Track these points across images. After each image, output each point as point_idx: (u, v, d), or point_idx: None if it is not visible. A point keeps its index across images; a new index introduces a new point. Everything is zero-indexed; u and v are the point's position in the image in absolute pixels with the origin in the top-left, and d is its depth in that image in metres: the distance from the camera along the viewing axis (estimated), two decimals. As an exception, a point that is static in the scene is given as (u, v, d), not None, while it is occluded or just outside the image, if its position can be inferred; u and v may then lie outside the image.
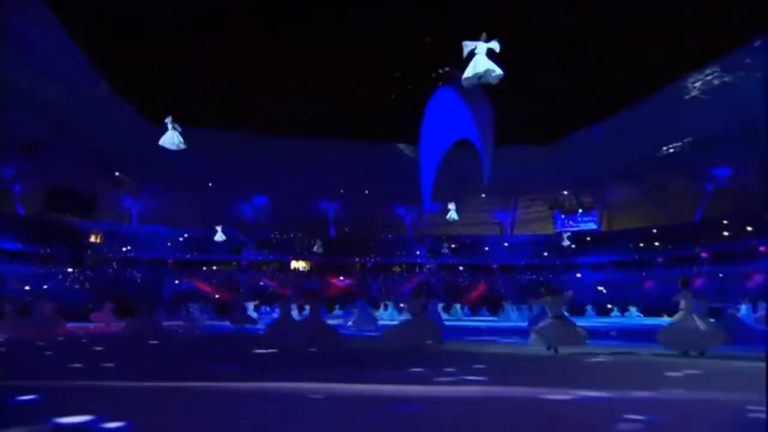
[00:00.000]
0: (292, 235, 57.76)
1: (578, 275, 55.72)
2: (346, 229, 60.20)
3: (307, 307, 13.55)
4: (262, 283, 51.79)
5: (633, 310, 33.63)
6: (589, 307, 36.30)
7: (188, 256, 52.01)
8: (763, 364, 7.65)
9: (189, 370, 8.39)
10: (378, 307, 34.85)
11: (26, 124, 34.49)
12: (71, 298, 38.62)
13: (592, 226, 60.31)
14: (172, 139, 19.68)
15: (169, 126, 19.68)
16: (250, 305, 37.48)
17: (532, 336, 8.96)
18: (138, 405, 5.46)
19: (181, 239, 53.54)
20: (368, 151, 58.09)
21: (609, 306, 38.60)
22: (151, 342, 14.51)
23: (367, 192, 58.47)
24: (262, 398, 5.88)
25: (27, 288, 35.89)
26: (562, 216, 60.86)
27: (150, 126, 50.17)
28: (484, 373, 7.30)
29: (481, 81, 13.94)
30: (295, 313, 39.54)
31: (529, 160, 56.86)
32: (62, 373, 7.74)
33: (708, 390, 6.29)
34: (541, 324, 8.83)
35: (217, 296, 47.41)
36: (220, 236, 41.64)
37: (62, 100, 36.75)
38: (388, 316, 30.49)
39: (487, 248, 59.16)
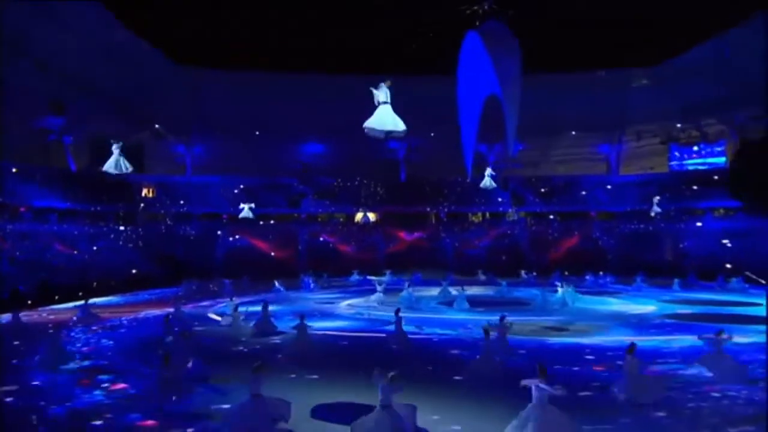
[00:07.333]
0: (357, 182, 58.95)
1: (698, 224, 52.76)
2: (418, 174, 60.48)
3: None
4: (322, 239, 53.84)
5: (734, 281, 31.91)
6: (676, 281, 34.59)
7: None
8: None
9: None
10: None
11: (46, 82, 37.79)
12: (123, 258, 42.84)
13: (721, 160, 56.33)
14: (116, 164, 20.96)
15: (115, 151, 20.95)
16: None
17: None
18: None
19: (236, 191, 56.39)
20: (441, 85, 57.09)
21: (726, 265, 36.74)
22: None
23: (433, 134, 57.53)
24: None
25: (75, 252, 40.10)
26: (678, 152, 57.61)
27: (184, 69, 52.50)
28: None
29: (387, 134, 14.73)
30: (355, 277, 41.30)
31: (635, 85, 53.88)
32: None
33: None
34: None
35: (272, 254, 50.29)
36: (246, 213, 42.94)
37: (81, 53, 39.71)
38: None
39: (584, 192, 57.38)
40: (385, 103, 14.62)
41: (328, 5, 50.39)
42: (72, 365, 14.47)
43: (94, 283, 33.70)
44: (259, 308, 20.80)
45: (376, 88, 14.39)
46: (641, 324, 21.74)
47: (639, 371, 11.22)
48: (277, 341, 18.33)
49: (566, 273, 40.10)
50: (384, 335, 18.49)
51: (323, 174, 59.07)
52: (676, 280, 34.49)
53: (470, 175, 27.63)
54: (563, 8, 48.91)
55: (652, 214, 41.27)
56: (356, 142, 60.37)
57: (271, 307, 21.30)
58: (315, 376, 13.53)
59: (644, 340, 17.71)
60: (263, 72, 54.25)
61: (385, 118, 14.77)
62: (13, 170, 41.28)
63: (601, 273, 41.17)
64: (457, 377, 13.36)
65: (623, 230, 53.66)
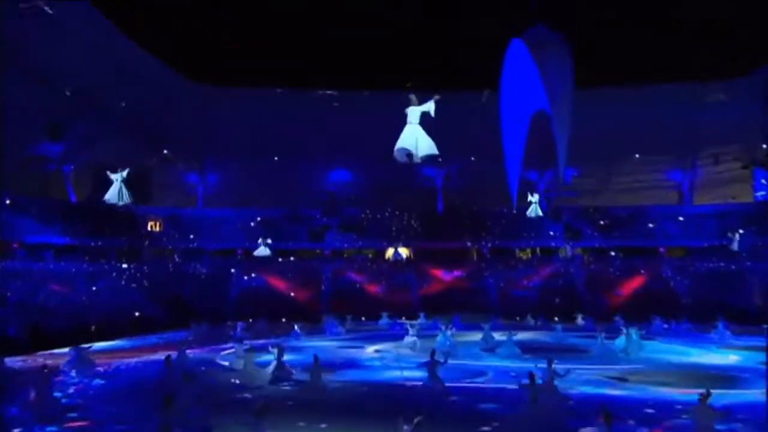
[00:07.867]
0: (387, 214, 59.18)
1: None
2: (457, 204, 60.36)
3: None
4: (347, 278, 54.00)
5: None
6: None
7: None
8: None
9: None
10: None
11: (45, 102, 39.58)
12: (126, 299, 43.69)
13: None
14: (117, 195, 22.04)
15: (117, 180, 22.09)
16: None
17: None
18: None
19: (252, 223, 57.19)
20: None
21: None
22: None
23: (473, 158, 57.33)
24: None
25: (72, 292, 41.04)
26: (764, 179, 56.59)
27: (196, 86, 53.82)
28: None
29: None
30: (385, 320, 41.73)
31: (711, 100, 53.32)
32: None
33: None
34: None
35: (292, 294, 50.64)
36: (262, 250, 43.55)
37: (85, 69, 41.50)
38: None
39: (651, 224, 56.75)
40: (411, 123, 14.38)
41: (355, 18, 51.52)
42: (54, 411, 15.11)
43: (93, 327, 34.40)
44: (271, 356, 21.14)
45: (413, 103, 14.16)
46: (718, 375, 21.31)
47: (710, 425, 11.07)
48: (288, 388, 18.88)
49: (631, 318, 39.51)
50: (410, 383, 18.90)
51: (350, 204, 59.47)
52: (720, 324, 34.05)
53: (515, 204, 27.50)
54: (625, 12, 48.94)
55: (733, 248, 40.48)
56: (387, 169, 60.71)
57: (287, 355, 21.67)
58: (323, 425, 13.98)
59: (718, 393, 17.41)
60: (283, 90, 55.21)
61: (414, 139, 14.36)
62: (7, 201, 42.62)
63: (673, 319, 40.52)
64: (485, 428, 13.65)
65: (699, 269, 52.56)
